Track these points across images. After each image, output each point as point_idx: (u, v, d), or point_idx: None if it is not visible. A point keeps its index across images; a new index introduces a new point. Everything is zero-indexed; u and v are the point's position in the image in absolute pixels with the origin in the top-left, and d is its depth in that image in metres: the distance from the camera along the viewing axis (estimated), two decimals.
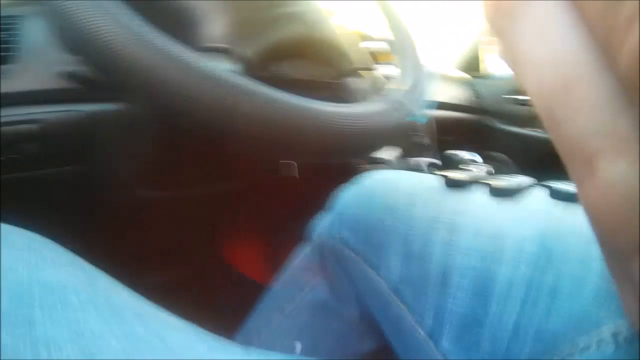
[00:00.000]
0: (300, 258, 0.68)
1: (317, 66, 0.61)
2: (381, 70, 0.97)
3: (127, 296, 0.34)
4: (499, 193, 0.52)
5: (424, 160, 1.13)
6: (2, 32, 0.61)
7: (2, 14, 0.64)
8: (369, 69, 0.72)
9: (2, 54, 0.60)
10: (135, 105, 0.64)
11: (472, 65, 2.07)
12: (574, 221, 0.44)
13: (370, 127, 0.48)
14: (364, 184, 0.63)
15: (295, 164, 0.85)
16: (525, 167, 1.94)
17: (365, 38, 1.03)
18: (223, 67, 0.44)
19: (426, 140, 1.18)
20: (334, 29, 0.61)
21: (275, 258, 0.73)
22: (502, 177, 0.55)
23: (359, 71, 0.61)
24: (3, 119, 0.57)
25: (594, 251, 0.40)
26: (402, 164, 1.09)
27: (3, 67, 0.59)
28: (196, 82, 0.38)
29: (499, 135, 2.00)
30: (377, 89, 0.60)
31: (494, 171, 1.13)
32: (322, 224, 0.65)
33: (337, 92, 0.61)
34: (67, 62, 0.61)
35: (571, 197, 0.48)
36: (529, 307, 0.41)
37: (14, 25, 0.64)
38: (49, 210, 0.65)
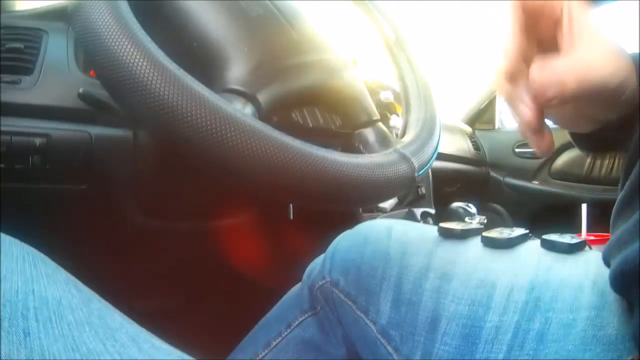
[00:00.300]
0: (290, 296, 0.68)
1: (332, 115, 0.62)
2: (395, 121, 0.99)
3: (121, 319, 0.34)
4: (491, 243, 0.53)
5: (419, 209, 1.14)
6: (24, 44, 0.63)
7: (28, 26, 0.66)
8: (384, 120, 0.73)
9: (22, 65, 0.62)
10: (143, 134, 0.65)
11: (482, 117, 2.11)
12: (563, 271, 0.45)
13: (374, 179, 0.48)
14: (358, 230, 0.64)
15: (291, 206, 0.86)
16: (521, 218, 1.96)
17: (384, 88, 1.06)
18: (240, 110, 0.45)
19: (422, 190, 1.20)
20: (352, 80, 0.62)
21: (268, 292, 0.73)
22: (495, 228, 0.56)
23: (372, 122, 0.62)
24: (14, 129, 0.58)
25: (582, 299, 0.42)
26: (397, 212, 1.10)
27: (22, 77, 0.61)
28: (213, 122, 0.39)
29: (497, 187, 2.03)
30: (388, 140, 0.61)
31: (488, 222, 1.14)
32: (315, 266, 0.66)
33: (348, 141, 0.62)
34: (84, 83, 0.62)
35: (562, 248, 0.50)
36: (516, 352, 0.41)
37: (37, 38, 0.65)
38: (45, 225, 0.66)
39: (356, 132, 0.62)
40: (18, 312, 0.29)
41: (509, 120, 2.12)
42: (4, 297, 0.29)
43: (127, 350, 0.31)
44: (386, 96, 1.04)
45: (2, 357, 0.26)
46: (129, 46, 0.40)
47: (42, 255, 0.37)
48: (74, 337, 0.29)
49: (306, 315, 0.63)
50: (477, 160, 1.93)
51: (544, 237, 0.52)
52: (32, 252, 0.36)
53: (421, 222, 1.11)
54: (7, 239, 0.36)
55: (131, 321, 0.35)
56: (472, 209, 1.26)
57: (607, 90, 0.36)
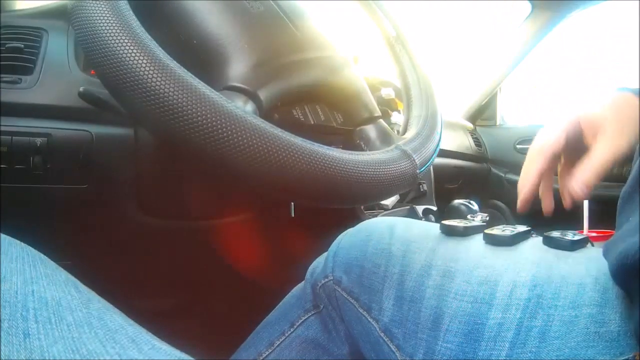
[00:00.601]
0: (293, 295, 0.68)
1: (333, 112, 0.62)
2: (397, 117, 0.98)
3: (121, 320, 0.34)
4: (493, 240, 0.53)
5: (420, 206, 1.14)
6: (24, 43, 0.63)
7: (27, 25, 0.66)
8: (385, 117, 0.73)
9: (22, 64, 0.61)
10: (144, 132, 0.65)
11: (483, 113, 2.10)
12: (565, 268, 0.45)
13: (376, 176, 0.48)
14: (360, 228, 0.64)
15: (292, 204, 0.86)
16: (522, 215, 1.95)
17: (385, 85, 1.05)
18: (241, 107, 0.45)
19: (424, 187, 1.20)
20: (353, 77, 0.62)
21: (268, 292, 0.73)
22: (497, 225, 0.56)
23: (374, 119, 0.62)
24: (14, 129, 0.58)
25: (584, 296, 0.41)
26: (399, 209, 1.10)
27: (22, 77, 0.60)
28: (212, 118, 0.39)
29: (498, 184, 2.02)
30: (389, 137, 0.60)
31: (490, 219, 1.14)
32: (318, 264, 0.66)
33: (349, 138, 0.62)
34: (84, 81, 0.62)
35: (564, 245, 0.50)
36: (518, 349, 0.41)
37: (37, 37, 0.65)
38: (45, 225, 0.66)
39: (357, 129, 0.62)
40: (17, 313, 0.29)
41: (510, 117, 2.12)
42: (3, 298, 0.29)
43: (127, 352, 0.30)
44: (387, 93, 1.03)
45: (2, 358, 0.26)
46: (128, 44, 0.39)
47: (41, 255, 0.37)
48: (73, 339, 0.29)
49: (309, 314, 0.63)
50: (479, 156, 1.92)
51: (546, 234, 0.52)
52: (31, 253, 0.36)
53: (423, 219, 1.11)
54: (6, 239, 0.36)
55: (131, 322, 0.35)
56: (474, 205, 1.26)
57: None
